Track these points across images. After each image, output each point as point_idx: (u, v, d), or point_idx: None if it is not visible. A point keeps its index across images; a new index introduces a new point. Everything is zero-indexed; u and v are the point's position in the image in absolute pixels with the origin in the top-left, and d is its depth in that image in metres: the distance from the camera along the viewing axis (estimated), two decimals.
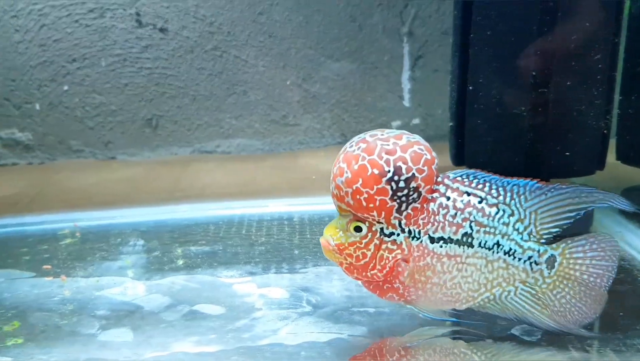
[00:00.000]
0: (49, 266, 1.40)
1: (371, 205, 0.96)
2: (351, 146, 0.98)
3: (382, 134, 0.98)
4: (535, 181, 1.02)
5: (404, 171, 0.95)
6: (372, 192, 0.95)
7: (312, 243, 1.49)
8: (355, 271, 1.03)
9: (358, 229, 1.00)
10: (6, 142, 2.38)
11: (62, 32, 2.29)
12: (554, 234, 1.03)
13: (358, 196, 0.95)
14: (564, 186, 1.02)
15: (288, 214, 1.71)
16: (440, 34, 2.37)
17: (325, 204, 1.79)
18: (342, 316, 1.13)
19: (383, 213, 0.97)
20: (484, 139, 1.48)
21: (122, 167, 2.30)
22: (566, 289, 1.03)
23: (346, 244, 1.01)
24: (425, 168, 0.96)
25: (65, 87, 2.35)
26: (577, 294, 1.03)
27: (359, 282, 1.08)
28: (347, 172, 0.96)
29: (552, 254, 1.03)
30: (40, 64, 2.32)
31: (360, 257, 1.01)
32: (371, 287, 1.05)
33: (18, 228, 1.69)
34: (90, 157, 2.43)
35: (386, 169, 0.94)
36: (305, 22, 2.34)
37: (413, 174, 0.95)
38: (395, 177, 0.94)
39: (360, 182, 0.94)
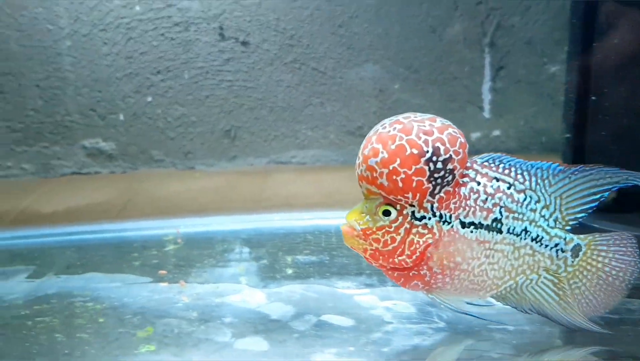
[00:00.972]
0: (165, 272, 1.43)
1: (407, 186, 0.94)
2: (384, 127, 0.96)
3: (416, 117, 0.97)
4: (557, 163, 1.02)
5: (442, 152, 0.93)
6: (410, 172, 0.93)
7: None
8: (381, 257, 0.99)
9: (387, 213, 0.98)
10: (90, 151, 2.45)
11: (148, 45, 2.36)
12: (580, 219, 1.03)
13: (394, 177, 0.93)
14: (587, 168, 1.01)
15: None
16: (524, 44, 2.34)
17: None
18: (482, 334, 1.11)
19: (418, 195, 0.95)
20: (609, 151, 1.44)
21: (204, 177, 2.34)
22: (584, 280, 1.03)
23: (374, 229, 0.98)
24: (461, 151, 0.96)
25: (149, 99, 2.41)
26: (593, 286, 1.03)
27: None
28: (383, 153, 0.93)
29: (578, 243, 1.04)
30: (126, 75, 2.38)
31: (389, 242, 0.98)
32: (395, 275, 1.03)
33: (120, 234, 1.74)
34: (171, 167, 2.48)
35: (425, 149, 0.93)
36: (384, 33, 2.35)
37: (450, 155, 0.94)
38: (434, 158, 0.93)
39: (398, 162, 0.93)
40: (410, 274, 1.01)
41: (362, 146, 0.97)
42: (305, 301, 1.25)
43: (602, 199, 1.01)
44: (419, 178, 0.93)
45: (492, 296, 1.05)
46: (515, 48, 2.36)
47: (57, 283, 1.39)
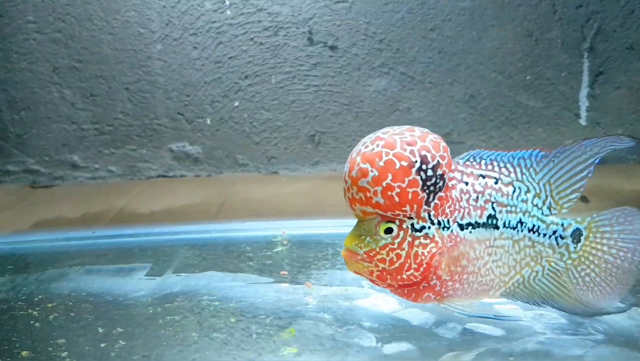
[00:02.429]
0: (286, 272, 1.40)
1: (404, 199, 0.92)
2: (366, 147, 0.94)
3: (394, 130, 0.95)
4: (538, 150, 1.00)
5: (429, 159, 0.92)
6: (404, 185, 0.91)
7: None
8: (389, 276, 0.97)
9: (389, 230, 0.95)
10: (177, 154, 2.47)
11: (237, 50, 2.37)
12: (574, 200, 0.99)
13: (389, 193, 0.91)
14: (567, 147, 0.99)
15: None
16: (625, 49, 2.24)
17: None
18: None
19: (415, 206, 0.93)
20: None
21: (290, 182, 2.32)
22: (592, 266, 1.00)
23: (377, 249, 0.95)
24: (446, 155, 0.94)
25: (236, 103, 2.42)
26: (602, 272, 0.99)
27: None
28: (372, 171, 0.91)
29: (577, 228, 1.00)
30: (215, 80, 2.40)
31: (395, 259, 0.96)
32: (405, 292, 1.00)
33: (226, 234, 1.72)
34: (254, 171, 2.47)
35: (413, 159, 0.91)
36: (477, 37, 2.29)
37: (438, 161, 0.92)
38: (424, 166, 0.91)
39: (390, 177, 0.91)
40: (421, 287, 0.99)
41: (346, 170, 0.95)
42: (441, 308, 1.19)
43: (589, 175, 0.99)
44: (414, 189, 0.92)
45: (502, 295, 1.03)
46: (615, 53, 2.26)
47: (179, 281, 1.38)
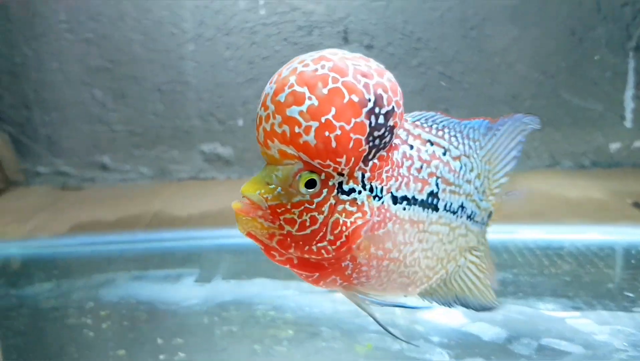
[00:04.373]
0: None
1: (342, 147, 0.68)
2: (306, 66, 0.68)
3: (344, 53, 0.71)
4: (487, 120, 0.83)
5: (385, 101, 0.69)
6: (348, 127, 0.67)
7: (619, 278, 1.35)
8: (293, 245, 0.72)
9: (311, 183, 0.70)
10: (208, 156, 2.43)
11: (270, 50, 2.32)
12: (503, 184, 0.84)
13: (327, 133, 0.67)
14: (505, 119, 0.84)
15: (558, 242, 1.56)
16: None
17: (568, 233, 1.67)
18: None
19: (353, 159, 0.69)
20: None
21: None
22: (483, 248, 0.86)
23: (288, 206, 0.70)
24: (401, 102, 0.72)
25: None
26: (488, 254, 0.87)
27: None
28: (311, 99, 0.66)
29: (491, 211, 0.86)
30: (247, 81, 2.35)
31: (308, 223, 0.70)
32: (307, 270, 0.76)
33: None
34: None
35: (367, 96, 0.67)
36: (519, 36, 2.23)
37: (393, 107, 0.69)
38: (377, 109, 0.68)
39: (334, 112, 0.67)
40: (329, 267, 0.75)
41: (268, 91, 0.69)
42: (511, 323, 1.14)
43: (518, 155, 0.84)
44: (358, 136, 0.68)
45: (420, 294, 0.84)
46: None
47: (230, 289, 1.34)
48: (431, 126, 0.80)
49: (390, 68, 2.27)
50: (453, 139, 0.80)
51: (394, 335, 0.86)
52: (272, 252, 0.74)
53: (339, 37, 2.30)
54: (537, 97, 2.27)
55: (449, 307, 0.84)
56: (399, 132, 0.75)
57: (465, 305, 0.85)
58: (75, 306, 1.27)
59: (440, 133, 0.79)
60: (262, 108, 0.70)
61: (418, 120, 0.79)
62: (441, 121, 0.81)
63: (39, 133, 2.40)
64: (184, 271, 1.45)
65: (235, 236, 1.68)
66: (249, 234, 0.72)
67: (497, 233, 1.65)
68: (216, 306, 1.24)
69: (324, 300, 1.26)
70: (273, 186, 0.70)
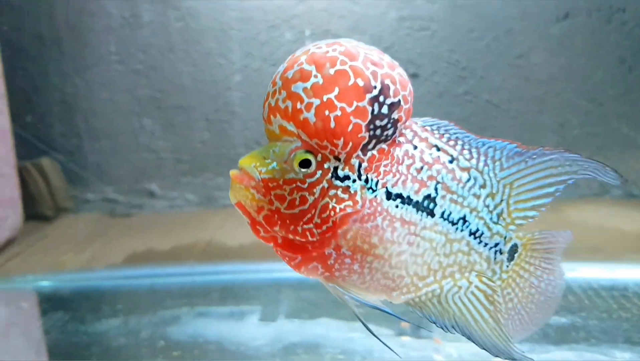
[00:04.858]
0: (407, 324, 1.34)
1: (341, 128, 0.68)
2: (318, 48, 0.70)
3: (361, 44, 0.72)
4: (515, 144, 0.79)
5: (391, 92, 0.69)
6: (349, 109, 0.68)
7: None
8: (279, 222, 0.72)
9: (306, 163, 0.71)
10: None
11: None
12: (530, 219, 0.79)
13: (327, 112, 0.68)
14: (547, 151, 0.78)
15: (622, 282, 1.54)
16: None
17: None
18: None
19: (351, 144, 0.70)
20: None
21: None
22: (517, 290, 0.81)
23: (280, 182, 0.71)
24: (410, 99, 0.72)
25: None
26: (525, 297, 0.81)
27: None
28: (317, 77, 0.68)
29: (515, 244, 0.81)
30: None
31: (297, 202, 0.71)
32: (290, 252, 0.75)
33: None
34: None
35: (373, 83, 0.68)
36: (567, 64, 2.22)
37: (399, 100, 0.70)
38: (381, 98, 0.69)
39: (337, 92, 0.68)
40: (313, 252, 0.74)
41: (280, 70, 0.71)
42: None
43: (557, 193, 0.79)
44: (358, 121, 0.69)
45: (408, 302, 0.80)
46: None
47: (295, 329, 1.35)
48: (442, 134, 0.78)
49: (436, 96, 2.28)
50: (465, 151, 0.78)
51: (373, 334, 0.82)
52: (258, 227, 0.74)
53: None
54: (585, 125, 2.25)
55: (446, 330, 0.80)
56: (405, 131, 0.75)
57: (469, 337, 0.80)
58: (146, 346, 1.28)
59: (451, 143, 0.78)
60: (271, 84, 0.72)
61: (429, 125, 0.78)
62: (455, 133, 0.79)
63: (89, 161, 2.45)
64: (247, 309, 1.46)
65: (288, 270, 1.70)
66: (239, 204, 0.73)
67: None
68: (284, 349, 1.25)
69: (394, 345, 1.26)
70: (269, 160, 0.71)
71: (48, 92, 2.39)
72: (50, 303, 1.60)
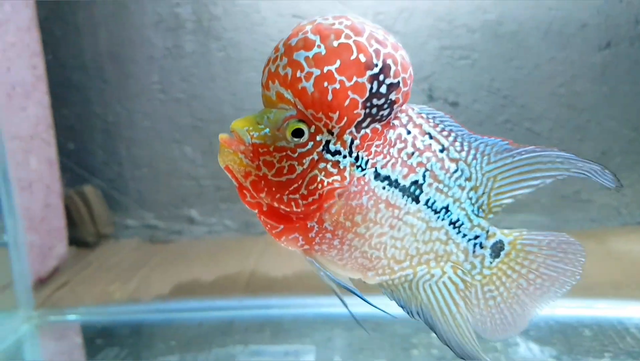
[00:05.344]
0: None
1: (338, 102, 0.69)
2: (325, 19, 0.71)
3: (368, 22, 0.73)
4: (507, 142, 0.81)
5: (392, 72, 0.70)
6: (348, 84, 0.68)
7: None
8: (266, 189, 0.72)
9: (299, 133, 0.72)
10: None
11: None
12: (504, 205, 0.80)
13: (326, 83, 0.68)
14: (538, 149, 0.79)
15: None
16: None
17: None
18: None
19: (345, 119, 0.70)
20: None
21: None
22: (501, 289, 0.81)
23: (271, 148, 0.71)
24: (409, 82, 0.73)
25: None
26: (511, 298, 0.81)
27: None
28: (320, 47, 0.68)
29: (500, 240, 0.81)
30: None
31: (286, 170, 0.72)
32: (272, 221, 0.75)
33: (370, 310, 1.67)
34: None
35: (374, 61, 0.69)
36: (609, 93, 2.20)
37: (399, 82, 0.70)
38: (381, 77, 0.69)
39: (338, 64, 0.68)
40: (295, 223, 0.75)
41: (284, 37, 0.73)
42: None
43: (540, 185, 0.80)
44: (355, 97, 0.69)
45: (380, 284, 0.81)
46: None
47: None
48: (437, 123, 0.79)
49: (476, 124, 2.28)
50: (457, 143, 0.79)
51: (350, 312, 0.83)
52: (244, 191, 0.75)
53: (423, 95, 2.32)
54: (627, 154, 2.23)
55: (411, 316, 0.81)
56: (401, 115, 0.76)
57: (432, 327, 0.80)
58: None
59: (444, 133, 0.79)
60: (273, 51, 0.73)
61: (425, 113, 0.79)
62: (449, 125, 0.80)
63: (129, 188, 2.49)
64: (301, 348, 1.46)
65: (339, 305, 1.70)
66: (227, 168, 0.74)
67: (606, 309, 1.62)
68: None
69: None
70: (262, 126, 0.73)
71: (91, 121, 2.43)
72: (103, 337, 1.62)
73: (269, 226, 0.77)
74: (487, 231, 0.81)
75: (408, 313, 0.81)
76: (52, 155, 2.13)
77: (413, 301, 0.81)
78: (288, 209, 0.74)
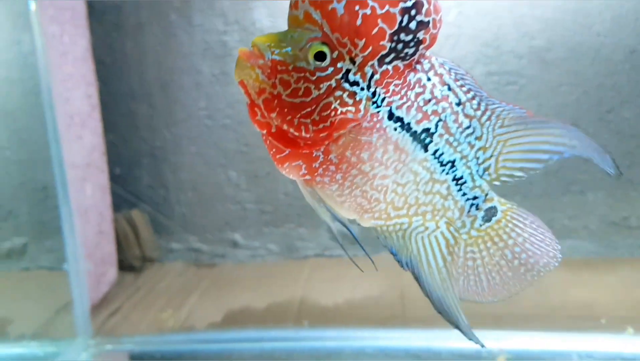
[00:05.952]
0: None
1: (366, 28, 0.67)
2: None
3: None
4: (524, 110, 0.78)
5: (423, 11, 0.68)
6: (379, 11, 0.67)
7: None
8: (278, 109, 0.71)
9: (321, 56, 0.70)
10: (334, 234, 2.47)
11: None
12: (515, 179, 0.79)
13: (357, 8, 0.66)
14: (551, 121, 0.78)
15: None
16: None
17: None
18: None
19: (370, 49, 0.69)
20: None
21: None
22: (483, 253, 0.81)
23: (290, 67, 0.69)
24: (439, 26, 0.70)
25: None
26: (492, 264, 0.81)
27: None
28: None
29: (494, 207, 0.80)
30: None
31: (301, 92, 0.70)
32: (278, 145, 0.74)
33: (427, 343, 1.67)
34: None
35: None
36: None
37: (429, 21, 0.69)
38: (412, 12, 0.68)
39: None
40: (302, 149, 0.73)
41: None
42: None
43: (549, 161, 0.79)
44: (384, 27, 0.68)
45: (375, 227, 0.81)
46: None
47: None
48: (458, 79, 0.77)
49: None
50: (474, 101, 0.77)
51: (342, 247, 0.85)
52: (256, 109, 0.74)
53: None
54: None
55: (400, 265, 0.81)
56: (424, 61, 0.74)
57: (418, 278, 0.80)
58: None
59: (463, 89, 0.77)
60: None
61: (448, 66, 0.77)
62: (470, 83, 0.78)
63: (175, 211, 2.52)
64: None
65: (388, 338, 1.70)
66: (241, 83, 0.72)
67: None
68: None
69: None
70: (284, 44, 0.70)
71: (138, 146, 2.47)
72: None
73: (274, 149, 0.77)
74: (486, 195, 0.81)
75: (399, 262, 0.82)
76: (105, 181, 2.16)
77: (404, 251, 0.81)
78: (297, 134, 0.72)
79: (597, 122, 2.23)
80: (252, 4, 2.30)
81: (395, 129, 0.75)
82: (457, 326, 0.80)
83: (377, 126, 0.74)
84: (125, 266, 2.43)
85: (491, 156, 0.79)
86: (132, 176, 2.50)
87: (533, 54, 2.20)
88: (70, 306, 1.79)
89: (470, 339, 0.80)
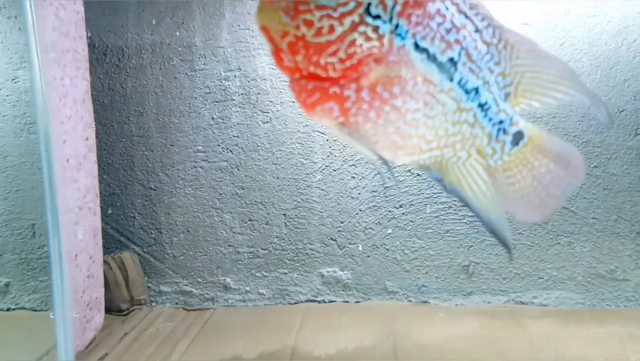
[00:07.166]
0: None
1: None
2: None
3: None
4: (533, 40, 0.81)
5: None
6: None
7: None
8: (303, 51, 0.69)
9: None
10: (327, 279, 2.47)
11: (394, 180, 2.41)
12: (535, 106, 0.82)
13: None
14: (559, 61, 0.82)
15: None
16: None
17: None
18: None
19: None
20: None
21: (452, 318, 2.27)
22: (518, 177, 0.84)
23: (312, 6, 0.68)
24: None
25: (389, 231, 2.43)
26: (528, 187, 0.84)
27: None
28: None
29: (521, 130, 0.83)
30: (370, 208, 2.43)
31: (326, 31, 0.69)
32: (308, 89, 0.72)
33: None
34: (403, 299, 2.44)
35: None
36: None
37: None
38: None
39: None
40: (330, 90, 0.72)
41: None
42: None
43: (562, 101, 0.84)
44: None
45: (413, 163, 0.81)
46: None
47: None
48: (472, 7, 0.77)
49: None
50: (490, 29, 0.78)
51: (382, 180, 0.85)
52: (281, 54, 0.72)
53: None
54: None
55: (445, 190, 0.83)
56: None
57: (466, 203, 0.81)
58: None
59: (479, 17, 0.77)
60: None
61: None
62: (483, 15, 0.78)
63: (166, 253, 2.49)
64: None
65: None
66: (264, 28, 0.70)
67: None
68: None
69: None
70: None
71: (132, 187, 2.46)
72: None
73: (304, 95, 0.74)
74: (512, 118, 0.82)
75: (443, 187, 0.84)
76: (97, 224, 2.13)
77: (446, 177, 0.82)
78: (325, 74, 0.71)
79: (585, 177, 2.30)
80: (254, 52, 2.35)
81: (422, 61, 0.74)
82: (506, 245, 0.83)
83: (405, 59, 0.73)
84: (112, 308, 2.37)
85: (511, 83, 0.81)
86: (124, 217, 2.48)
87: (523, 110, 2.29)
88: (54, 353, 1.73)
89: (511, 260, 0.84)
